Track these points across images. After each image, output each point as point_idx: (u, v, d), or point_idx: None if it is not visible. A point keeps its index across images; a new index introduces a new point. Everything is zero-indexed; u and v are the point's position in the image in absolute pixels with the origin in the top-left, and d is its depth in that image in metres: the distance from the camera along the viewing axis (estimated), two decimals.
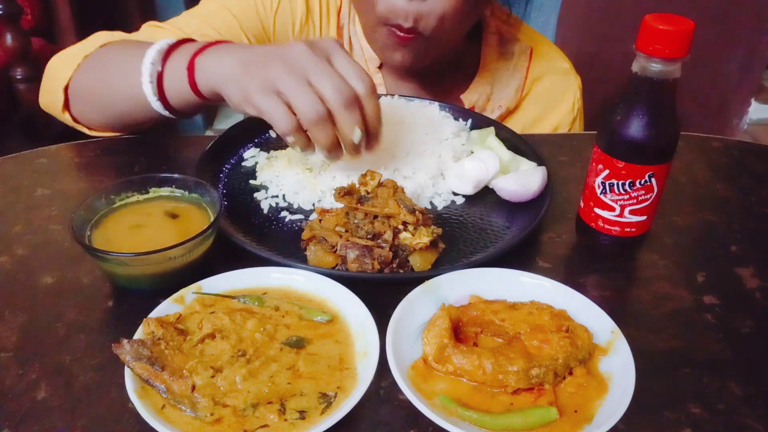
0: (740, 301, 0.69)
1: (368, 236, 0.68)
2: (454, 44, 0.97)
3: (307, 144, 0.72)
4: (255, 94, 0.69)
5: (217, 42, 0.78)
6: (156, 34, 0.95)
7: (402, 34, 0.90)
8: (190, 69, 0.75)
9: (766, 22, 2.23)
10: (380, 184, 0.72)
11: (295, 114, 0.69)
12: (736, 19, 2.21)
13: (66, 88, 0.89)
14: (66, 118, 0.92)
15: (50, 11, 2.35)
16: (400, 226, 0.68)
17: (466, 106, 1.05)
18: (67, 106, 0.91)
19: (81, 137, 0.95)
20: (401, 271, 0.68)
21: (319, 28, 1.06)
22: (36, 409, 0.53)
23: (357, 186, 0.71)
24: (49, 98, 0.92)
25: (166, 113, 0.82)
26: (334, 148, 0.72)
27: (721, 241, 0.78)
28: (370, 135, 0.73)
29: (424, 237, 0.67)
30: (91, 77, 0.88)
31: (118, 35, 0.93)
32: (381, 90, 1.04)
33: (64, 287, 0.66)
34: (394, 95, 0.96)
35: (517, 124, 1.10)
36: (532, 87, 1.11)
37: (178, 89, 0.78)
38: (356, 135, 0.70)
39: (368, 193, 0.71)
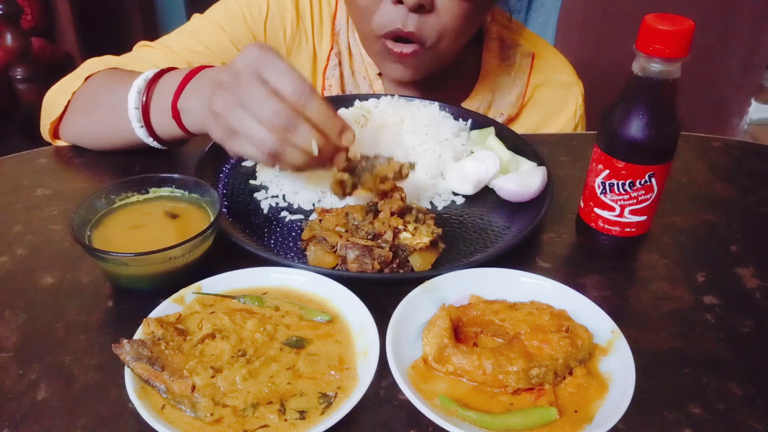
0: (740, 301, 0.69)
1: (368, 236, 0.68)
2: (454, 56, 0.97)
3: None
4: (224, 143, 0.70)
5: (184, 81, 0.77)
6: (147, 55, 0.96)
7: (399, 51, 0.90)
8: (175, 113, 0.77)
9: (765, 22, 2.23)
10: (384, 180, 0.71)
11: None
12: (736, 19, 2.21)
13: (57, 122, 0.90)
14: (60, 143, 0.94)
15: (50, 11, 2.35)
16: (401, 226, 0.68)
17: None
18: (57, 135, 0.92)
19: None
20: (401, 271, 0.68)
21: (311, 33, 1.05)
22: (36, 409, 0.53)
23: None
24: (46, 132, 0.93)
25: (157, 145, 0.84)
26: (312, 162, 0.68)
27: (721, 241, 0.78)
28: (331, 135, 0.67)
29: (424, 237, 0.67)
30: (79, 121, 0.89)
31: (108, 61, 0.93)
32: None
33: (64, 287, 0.66)
34: (394, 95, 0.96)
35: (518, 131, 1.09)
36: (533, 94, 1.10)
37: (166, 128, 0.80)
38: (314, 148, 0.66)
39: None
